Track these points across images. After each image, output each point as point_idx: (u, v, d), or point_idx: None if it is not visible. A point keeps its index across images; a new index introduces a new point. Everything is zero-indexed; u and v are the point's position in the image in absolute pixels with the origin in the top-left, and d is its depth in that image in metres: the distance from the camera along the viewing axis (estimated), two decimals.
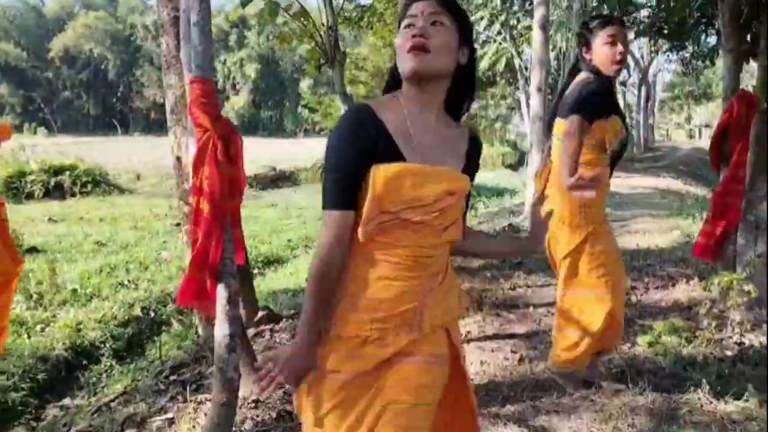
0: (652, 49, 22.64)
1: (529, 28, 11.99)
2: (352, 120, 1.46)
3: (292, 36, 4.35)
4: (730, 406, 2.86)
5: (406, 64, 1.45)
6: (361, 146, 1.42)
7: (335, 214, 1.45)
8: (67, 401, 5.10)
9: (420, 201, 1.43)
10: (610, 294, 2.86)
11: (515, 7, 14.41)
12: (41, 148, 23.40)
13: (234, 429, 2.87)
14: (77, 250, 9.50)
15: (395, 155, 1.43)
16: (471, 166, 1.59)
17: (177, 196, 4.93)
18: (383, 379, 1.47)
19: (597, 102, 2.67)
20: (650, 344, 3.60)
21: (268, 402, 3.17)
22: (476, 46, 13.84)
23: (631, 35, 18.12)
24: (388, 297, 1.45)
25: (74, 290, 7.28)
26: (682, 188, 15.60)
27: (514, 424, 2.79)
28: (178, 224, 12.42)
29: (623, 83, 28.65)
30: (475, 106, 22.59)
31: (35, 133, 42.10)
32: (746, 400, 2.87)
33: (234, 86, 55.55)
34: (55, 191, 19.09)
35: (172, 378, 4.11)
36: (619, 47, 2.67)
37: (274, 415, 3.03)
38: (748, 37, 4.22)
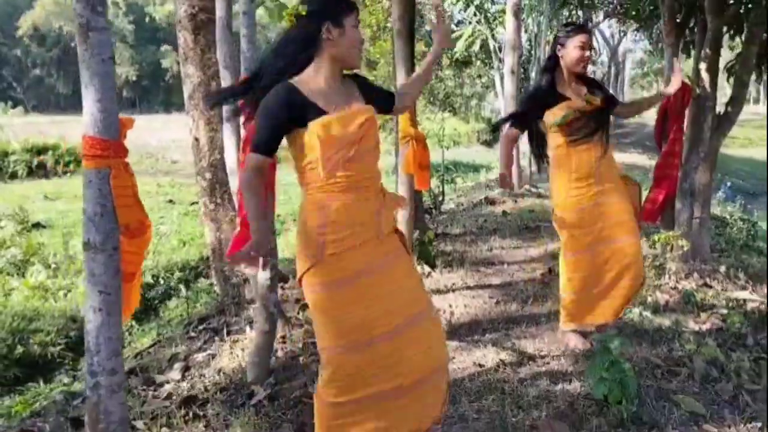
0: (621, 29, 23.46)
1: (503, 11, 12.65)
2: (277, 95, 2.09)
3: None
4: (658, 321, 3.68)
5: (356, 59, 2.20)
6: (278, 115, 2.07)
7: (256, 155, 2.13)
8: None
9: (349, 137, 2.08)
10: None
11: None
12: (18, 128, 23.53)
13: (271, 355, 3.60)
14: (81, 225, 10.05)
15: (319, 112, 2.07)
16: (369, 95, 2.27)
17: (195, 172, 5.59)
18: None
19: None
20: None
21: (292, 336, 3.90)
22: (453, 27, 14.44)
23: (600, 16, 18.91)
24: (347, 214, 2.11)
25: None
26: (647, 163, 16.50)
27: (492, 346, 3.57)
28: (170, 201, 13.07)
29: (593, 62, 29.58)
30: (450, 84, 23.24)
31: (7, 113, 41.70)
32: (676, 321, 3.69)
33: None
34: (38, 171, 19.40)
35: (200, 328, 4.80)
36: (587, 52, 3.33)
37: (300, 346, 3.76)
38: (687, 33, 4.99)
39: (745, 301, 4.30)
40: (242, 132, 3.32)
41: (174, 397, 3.27)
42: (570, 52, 3.29)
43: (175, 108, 45.67)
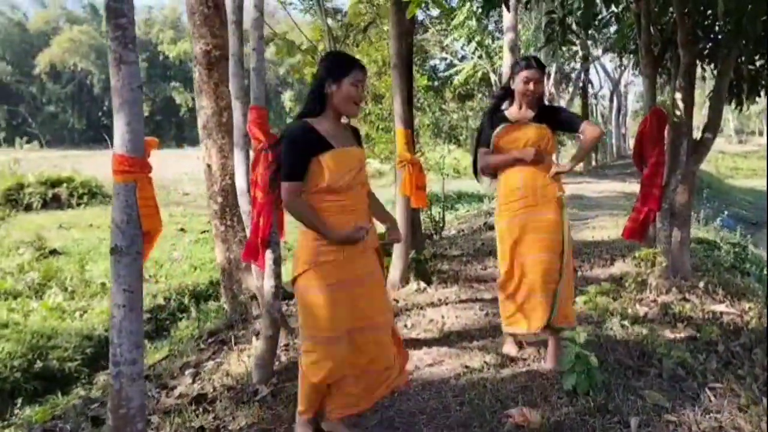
0: (620, 63, 24.00)
1: (502, 47, 13.12)
2: (296, 131, 2.64)
3: (302, 65, 5.44)
4: (636, 330, 3.96)
5: (351, 109, 2.72)
6: (301, 147, 2.59)
7: (290, 182, 2.61)
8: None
9: (349, 168, 2.65)
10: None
11: (491, 27, 15.64)
12: (33, 162, 24.16)
13: (274, 360, 3.90)
14: (95, 252, 10.45)
15: (329, 146, 2.60)
16: (360, 144, 2.85)
17: (207, 197, 5.96)
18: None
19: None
20: (585, 302, 4.69)
21: (295, 344, 4.21)
22: (456, 61, 14.89)
23: (599, 51, 19.44)
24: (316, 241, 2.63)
25: (103, 284, 8.24)
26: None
27: (479, 351, 3.86)
28: (182, 229, 13.46)
29: (594, 95, 30.12)
30: (455, 117, 23.72)
31: (23, 147, 42.59)
32: (652, 330, 3.97)
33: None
34: (52, 203, 19.88)
35: (210, 340, 5.11)
36: (531, 86, 3.54)
37: (301, 352, 4.06)
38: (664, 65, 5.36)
39: (721, 313, 4.58)
40: (251, 155, 3.69)
41: (185, 397, 3.57)
42: (516, 84, 3.58)
43: (187, 142, 46.47)
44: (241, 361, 4.11)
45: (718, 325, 4.29)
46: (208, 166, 5.82)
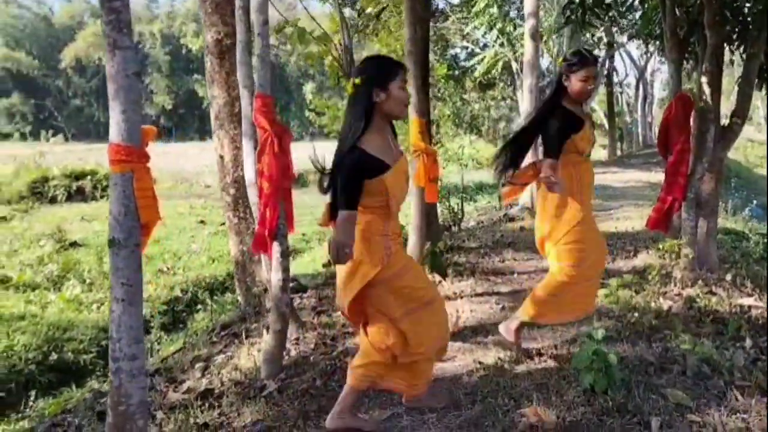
0: (646, 50, 23.51)
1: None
2: (352, 161, 2.56)
3: (316, 54, 5.33)
4: (659, 324, 3.80)
5: (403, 112, 2.75)
6: (359, 176, 2.55)
7: (348, 211, 2.54)
8: None
9: (404, 180, 2.71)
10: None
11: (512, 13, 15.34)
12: (59, 155, 24.46)
13: (284, 354, 3.81)
14: None
15: (385, 166, 2.57)
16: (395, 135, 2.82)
17: (220, 188, 5.89)
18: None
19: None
20: (606, 296, 4.52)
21: (305, 339, 4.12)
22: (477, 50, 14.63)
23: (623, 38, 19.03)
24: (394, 229, 2.72)
25: None
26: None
27: (493, 346, 3.74)
28: (202, 221, 13.50)
29: (620, 83, 29.60)
30: (476, 107, 23.45)
31: (48, 140, 43.14)
32: (676, 325, 3.80)
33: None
34: (76, 195, 20.12)
35: (222, 333, 5.05)
36: (591, 84, 3.43)
37: (311, 346, 3.98)
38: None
39: (749, 307, 4.38)
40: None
41: (192, 392, 3.50)
42: (574, 83, 3.40)
43: (209, 135, 46.69)
44: (251, 355, 4.04)
45: (745, 319, 4.09)
46: (221, 157, 5.75)
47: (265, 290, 5.48)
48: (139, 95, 2.60)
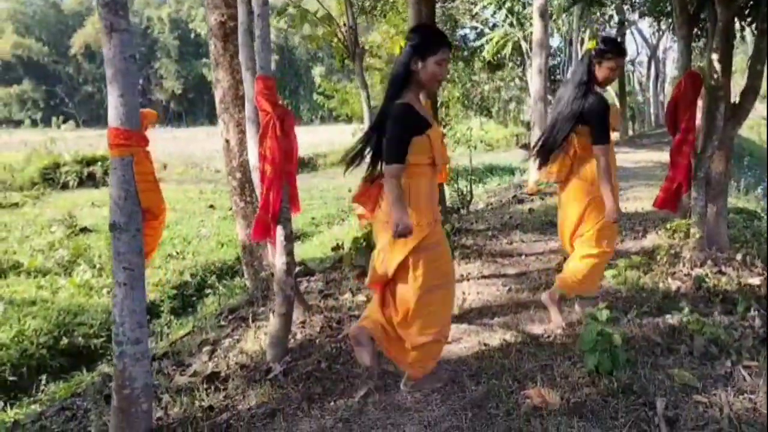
0: (658, 28, 23.16)
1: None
2: (402, 113, 2.69)
3: (319, 37, 5.28)
4: (667, 305, 3.76)
5: (435, 87, 2.92)
6: (406, 128, 2.67)
7: (396, 165, 2.67)
8: None
9: (440, 142, 2.81)
10: None
11: None
12: (70, 141, 24.59)
13: (290, 338, 3.82)
14: None
15: (428, 124, 2.73)
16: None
17: (227, 173, 5.88)
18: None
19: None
20: (614, 276, 4.49)
21: (311, 322, 4.12)
22: (486, 30, 14.47)
23: (635, 15, 18.74)
24: (430, 202, 2.81)
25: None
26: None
27: (499, 328, 3.72)
28: (211, 206, 13.52)
29: (632, 62, 29.20)
30: (486, 88, 23.26)
31: (59, 127, 43.35)
32: (684, 305, 3.75)
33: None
34: (88, 181, 20.25)
35: (230, 317, 5.07)
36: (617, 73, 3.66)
37: (317, 329, 3.98)
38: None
39: (759, 287, 4.33)
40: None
41: (199, 375, 3.51)
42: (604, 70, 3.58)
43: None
44: (258, 339, 4.04)
45: (755, 299, 4.05)
46: (227, 141, 5.73)
47: (272, 274, 5.47)
48: (137, 78, 2.59)
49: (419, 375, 2.96)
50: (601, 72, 3.56)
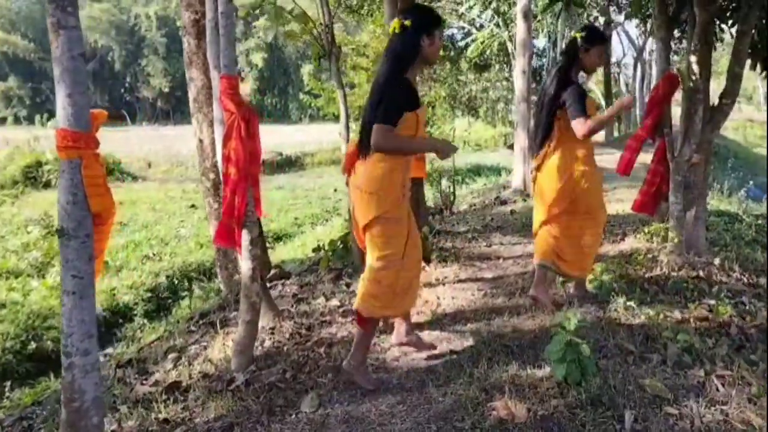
0: (643, 29, 23.19)
1: None
2: (404, 86, 2.87)
3: (296, 34, 5.16)
4: (642, 311, 3.69)
5: (437, 58, 3.09)
6: (407, 100, 2.85)
7: (388, 126, 2.78)
8: (109, 350, 5.98)
9: (422, 124, 2.97)
10: None
11: None
12: (54, 139, 24.27)
13: (257, 345, 3.72)
14: None
15: (419, 103, 2.92)
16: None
17: (200, 173, 5.76)
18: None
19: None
20: (590, 281, 4.39)
21: (281, 328, 4.02)
22: (474, 30, 14.38)
23: (621, 17, 18.74)
24: (402, 177, 2.97)
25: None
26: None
27: (471, 335, 3.63)
28: (192, 206, 13.36)
29: (618, 63, 29.26)
30: (474, 88, 23.21)
31: (44, 125, 42.84)
32: (659, 311, 3.69)
33: (240, 74, 56.11)
34: None
35: (201, 322, 4.95)
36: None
37: (287, 336, 3.87)
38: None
39: (737, 292, 4.27)
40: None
41: (160, 385, 3.40)
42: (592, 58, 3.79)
43: None
44: (225, 346, 3.94)
45: (732, 304, 3.98)
46: (200, 141, 5.62)
47: None
48: (86, 77, 2.47)
49: (363, 313, 3.05)
50: (589, 58, 3.76)
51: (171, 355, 4.03)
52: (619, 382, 2.87)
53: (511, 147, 29.13)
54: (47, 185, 19.05)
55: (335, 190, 15.72)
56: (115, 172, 20.55)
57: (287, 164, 25.26)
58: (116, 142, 26.98)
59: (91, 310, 2.55)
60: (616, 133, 26.25)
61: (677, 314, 3.79)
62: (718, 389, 2.87)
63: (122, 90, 61.15)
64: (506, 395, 2.79)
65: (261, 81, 56.32)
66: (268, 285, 5.54)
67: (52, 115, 47.10)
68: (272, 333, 4.00)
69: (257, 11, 5.22)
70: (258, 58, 54.54)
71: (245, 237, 3.41)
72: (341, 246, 5.64)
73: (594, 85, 29.38)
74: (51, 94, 53.20)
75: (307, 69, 52.13)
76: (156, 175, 20.88)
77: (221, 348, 3.92)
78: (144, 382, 3.54)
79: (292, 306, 4.59)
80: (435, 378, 3.09)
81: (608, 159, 15.13)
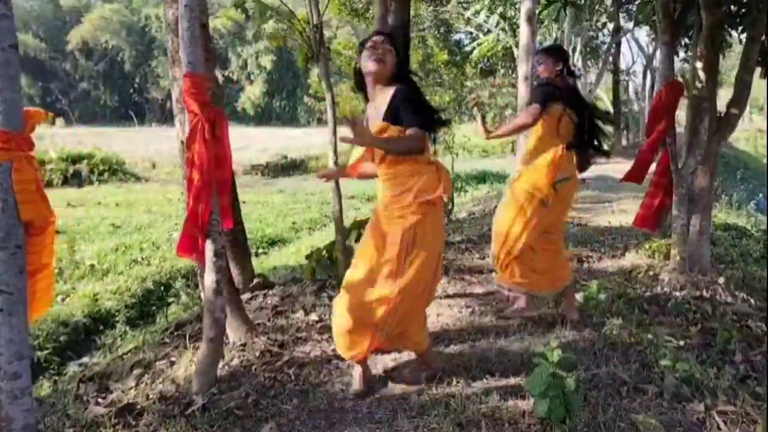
0: (653, 37, 22.85)
1: None
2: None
3: (282, 35, 4.93)
4: (639, 335, 3.42)
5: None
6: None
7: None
8: (85, 359, 5.74)
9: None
10: None
11: None
12: (59, 138, 24.17)
13: (224, 364, 3.47)
14: (94, 232, 10.18)
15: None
16: (392, 110, 2.81)
17: (183, 177, 5.51)
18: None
19: None
20: (587, 299, 4.13)
21: (254, 344, 3.76)
22: (481, 35, 14.17)
23: (630, 24, 18.45)
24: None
25: (92, 266, 7.93)
26: None
27: (454, 359, 3.36)
28: None
29: (627, 71, 28.89)
30: (482, 94, 22.93)
31: (53, 123, 42.85)
32: (657, 335, 3.42)
33: (249, 77, 56.00)
34: (73, 179, 19.80)
35: (175, 333, 4.70)
36: None
37: (257, 354, 3.62)
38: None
39: (742, 315, 3.99)
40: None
41: (115, 405, 3.15)
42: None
43: None
44: (192, 362, 3.67)
45: (737, 329, 3.71)
46: (182, 143, 5.37)
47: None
48: (18, 71, 2.22)
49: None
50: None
51: (136, 371, 3.78)
52: (609, 419, 2.60)
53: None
54: (49, 184, 18.74)
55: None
56: (118, 173, 20.38)
57: (291, 167, 25.02)
58: (123, 142, 26.88)
59: (21, 329, 2.30)
60: (624, 142, 25.91)
61: (677, 340, 3.52)
62: (719, 427, 2.61)
63: (131, 91, 61.14)
64: (483, 431, 2.52)
65: (270, 84, 56.20)
66: (250, 295, 5.31)
67: (60, 115, 47.20)
68: (243, 350, 3.75)
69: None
70: (267, 61, 54.42)
71: (209, 247, 3.17)
72: (326, 256, 5.38)
73: (603, 92, 29.04)
74: (60, 94, 53.33)
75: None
76: (159, 176, 20.70)
77: (187, 365, 3.67)
78: (100, 401, 3.29)
79: (269, 319, 4.34)
80: (408, 408, 2.82)
81: (614, 168, 14.86)
